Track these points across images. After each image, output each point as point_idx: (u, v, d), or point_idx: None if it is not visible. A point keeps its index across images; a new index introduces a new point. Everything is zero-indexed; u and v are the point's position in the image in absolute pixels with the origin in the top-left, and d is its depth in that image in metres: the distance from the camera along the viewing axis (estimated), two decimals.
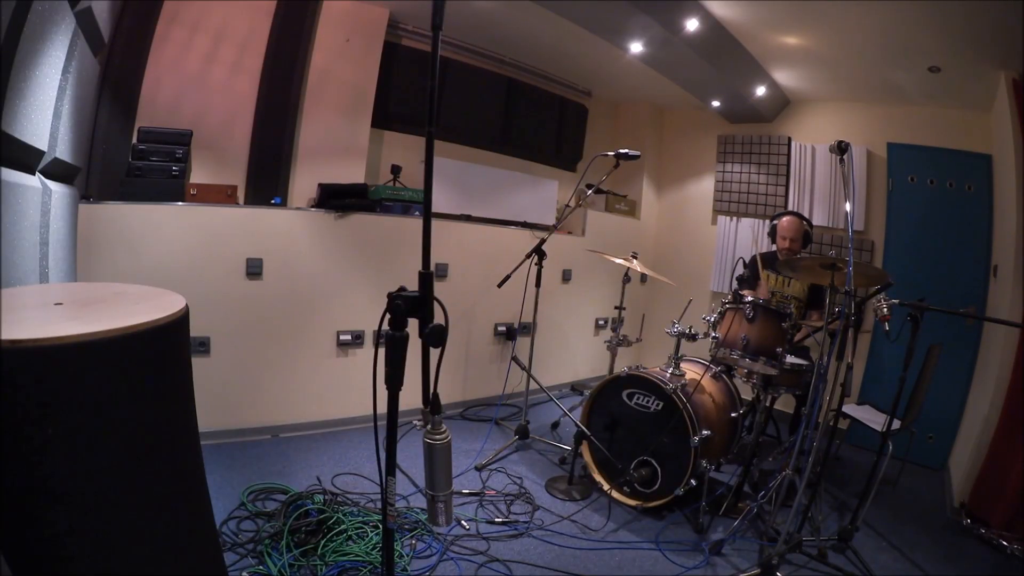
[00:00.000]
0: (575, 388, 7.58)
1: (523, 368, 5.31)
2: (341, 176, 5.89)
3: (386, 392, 1.89)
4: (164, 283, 2.27)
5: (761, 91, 6.78)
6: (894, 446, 4.21)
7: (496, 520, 4.04)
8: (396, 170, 6.31)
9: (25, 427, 1.44)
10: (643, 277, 8.35)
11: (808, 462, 3.56)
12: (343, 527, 3.56)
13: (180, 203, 4.71)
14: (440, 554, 3.55)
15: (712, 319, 4.64)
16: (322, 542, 3.39)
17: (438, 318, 1.86)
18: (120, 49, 4.92)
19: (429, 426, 1.92)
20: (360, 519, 3.72)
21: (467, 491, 4.40)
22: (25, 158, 2.51)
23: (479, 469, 4.84)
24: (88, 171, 4.64)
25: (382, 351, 1.88)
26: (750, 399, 5.12)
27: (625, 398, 4.52)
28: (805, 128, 7.35)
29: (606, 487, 4.52)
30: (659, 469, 4.29)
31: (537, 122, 8.08)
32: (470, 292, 6.21)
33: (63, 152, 2.99)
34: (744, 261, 5.57)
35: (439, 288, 2.05)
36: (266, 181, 5.74)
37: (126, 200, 4.49)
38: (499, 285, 4.96)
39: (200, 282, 4.67)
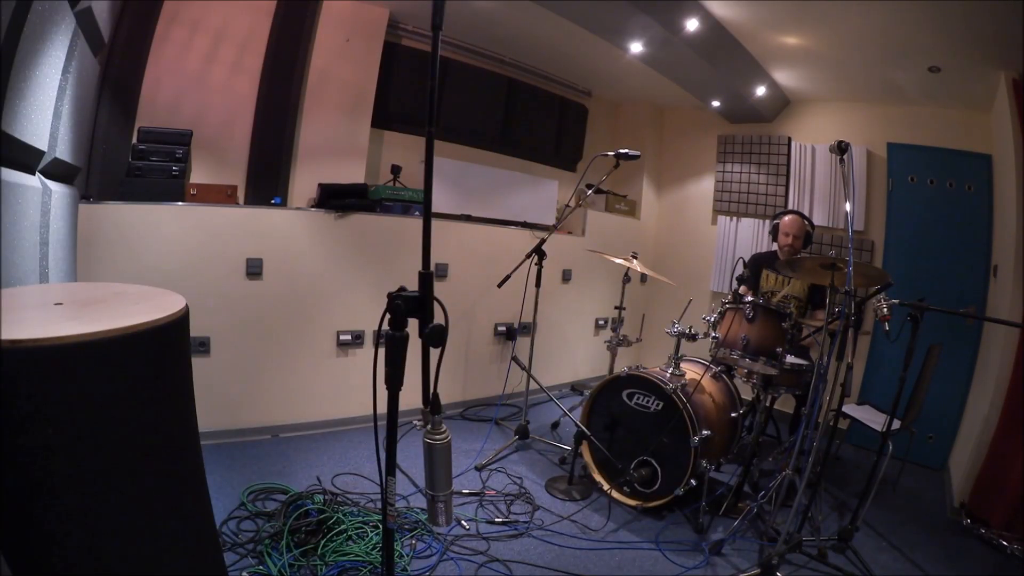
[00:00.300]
0: (575, 388, 7.58)
1: (523, 368, 5.31)
2: (341, 176, 5.89)
3: (386, 392, 1.89)
4: (164, 283, 2.27)
5: (761, 91, 6.78)
6: (894, 446, 4.21)
7: (496, 520, 4.04)
8: (396, 170, 6.32)
9: (25, 427, 1.44)
10: (643, 277, 8.35)
11: (808, 462, 3.56)
12: (343, 527, 3.57)
13: (180, 203, 4.71)
14: (440, 554, 3.55)
15: (712, 319, 4.65)
16: (322, 542, 3.39)
17: (438, 318, 1.86)
18: (120, 49, 4.92)
19: (429, 426, 1.92)
20: (360, 519, 3.72)
21: (467, 491, 4.40)
22: (25, 158, 2.51)
23: (479, 469, 4.84)
24: (88, 171, 4.65)
25: (382, 351, 1.88)
26: (750, 399, 5.13)
27: (625, 398, 4.52)
28: (805, 128, 7.35)
29: (606, 487, 4.52)
30: (659, 469, 4.29)
31: (537, 122, 8.08)
32: (470, 292, 6.21)
33: (63, 152, 2.99)
34: (744, 261, 5.57)
35: (439, 288, 2.05)
36: (266, 181, 5.74)
37: (126, 200, 4.49)
38: (499, 285, 4.96)
39: (200, 282, 4.67)
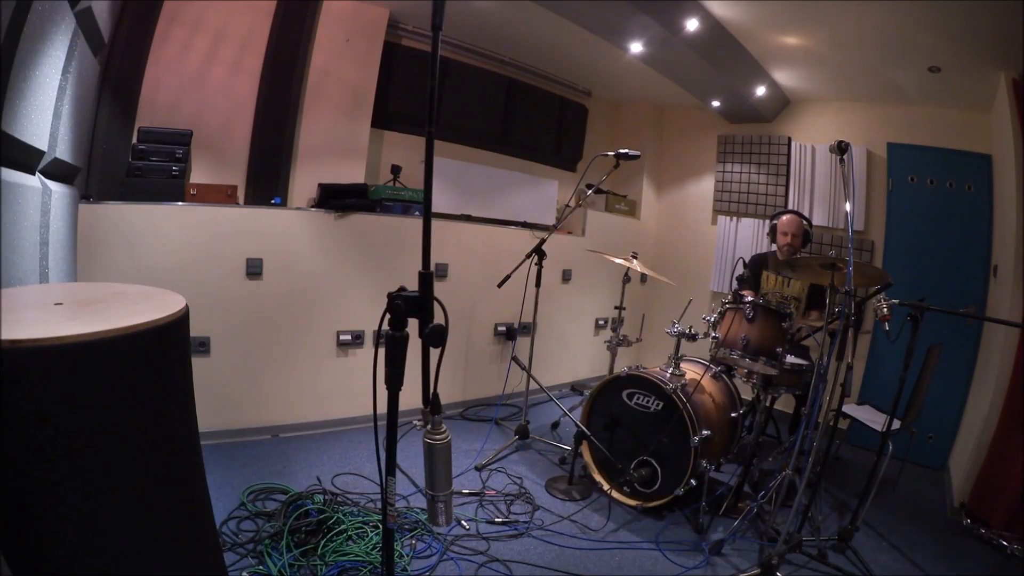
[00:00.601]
0: (575, 388, 7.58)
1: (523, 368, 5.31)
2: (341, 176, 5.90)
3: (386, 392, 1.89)
4: (164, 283, 2.27)
5: (761, 91, 6.78)
6: (894, 446, 4.21)
7: (496, 520, 4.04)
8: (396, 170, 6.32)
9: (25, 427, 1.44)
10: (643, 277, 8.35)
11: (808, 462, 3.56)
12: (343, 527, 3.57)
13: (180, 203, 4.72)
14: (440, 554, 3.55)
15: (712, 319, 4.65)
16: (322, 542, 3.39)
17: (438, 318, 1.86)
18: (120, 49, 4.92)
19: (429, 426, 1.92)
20: (360, 519, 3.72)
21: (467, 491, 4.40)
22: (25, 158, 2.51)
23: (479, 469, 4.84)
24: (88, 171, 4.65)
25: (382, 351, 1.88)
26: (750, 399, 5.13)
27: (625, 398, 4.52)
28: (805, 128, 7.36)
29: (606, 487, 4.52)
30: (659, 469, 4.29)
31: (537, 122, 8.09)
32: (470, 292, 6.22)
33: (63, 152, 2.99)
34: (744, 261, 5.57)
35: (439, 288, 2.06)
36: (266, 181, 5.74)
37: (126, 200, 4.49)
38: (499, 285, 4.96)
39: (200, 282, 4.68)
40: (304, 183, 5.86)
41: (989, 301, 5.62)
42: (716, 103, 7.31)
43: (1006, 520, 4.37)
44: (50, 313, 1.73)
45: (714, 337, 4.52)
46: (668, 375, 4.51)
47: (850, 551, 3.94)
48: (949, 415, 5.78)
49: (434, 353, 1.86)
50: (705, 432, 4.17)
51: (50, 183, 2.84)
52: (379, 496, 3.99)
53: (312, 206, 5.62)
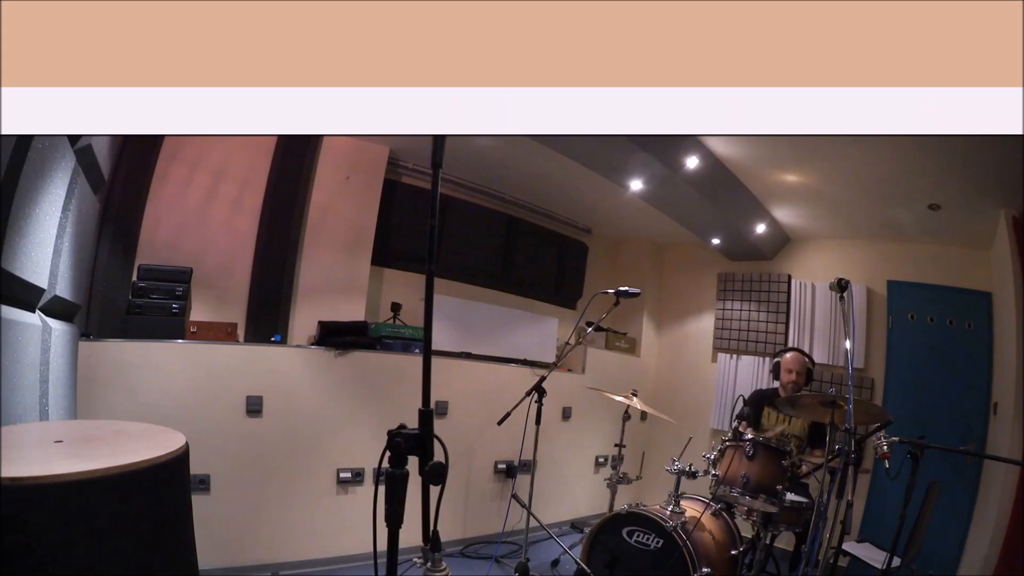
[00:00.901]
0: (575, 526, 7.48)
1: (523, 505, 5.27)
2: (341, 313, 5.93)
3: (386, 530, 1.87)
4: (164, 420, 2.29)
5: (761, 229, 6.89)
6: None
7: None
8: (396, 308, 6.38)
9: (25, 564, 1.43)
10: (643, 414, 8.30)
11: None
12: None
13: (180, 340, 4.75)
14: None
15: (712, 456, 4.66)
16: None
17: (438, 455, 1.86)
18: (120, 186, 4.99)
19: (429, 563, 1.91)
20: None
21: None
22: (25, 296, 2.54)
23: None
24: (88, 308, 4.67)
25: (382, 489, 1.87)
26: (750, 536, 5.05)
27: (625, 535, 4.47)
28: (805, 266, 7.47)
29: None
30: None
31: (537, 259, 8.19)
32: (470, 429, 6.21)
33: (63, 290, 3.02)
34: (744, 399, 5.58)
35: (439, 425, 2.04)
36: (266, 318, 5.79)
37: (126, 337, 4.52)
38: (499, 423, 4.94)
39: (200, 419, 4.65)
40: (304, 320, 5.90)
41: (989, 439, 5.61)
42: (716, 240, 7.44)
43: None
44: (50, 450, 1.75)
45: (714, 475, 4.52)
46: (668, 512, 4.47)
47: None
48: (950, 553, 5.69)
49: (434, 490, 1.86)
50: (705, 570, 4.11)
51: (50, 321, 2.86)
52: None
53: (312, 343, 5.64)
